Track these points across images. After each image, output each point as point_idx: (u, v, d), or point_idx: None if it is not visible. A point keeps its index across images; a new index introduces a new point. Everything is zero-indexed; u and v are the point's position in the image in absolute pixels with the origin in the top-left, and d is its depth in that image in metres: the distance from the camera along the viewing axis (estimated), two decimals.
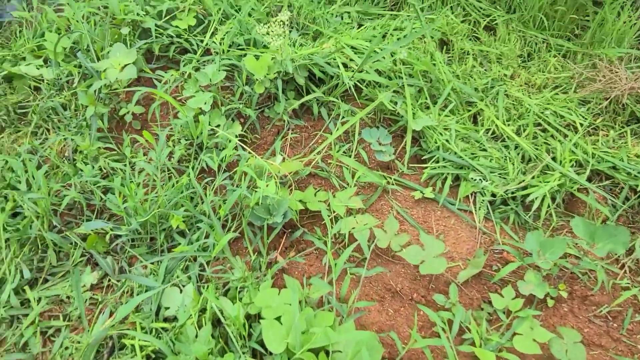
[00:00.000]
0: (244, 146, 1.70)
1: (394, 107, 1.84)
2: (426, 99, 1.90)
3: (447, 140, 1.78)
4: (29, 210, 1.61)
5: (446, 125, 1.83)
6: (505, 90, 1.97)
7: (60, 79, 2.12)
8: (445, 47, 2.17)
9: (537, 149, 1.79)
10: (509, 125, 1.88)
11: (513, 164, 1.75)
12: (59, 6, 2.36)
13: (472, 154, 1.79)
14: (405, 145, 1.82)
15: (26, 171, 1.76)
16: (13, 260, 1.52)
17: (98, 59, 2.04)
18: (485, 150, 1.81)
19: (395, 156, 1.81)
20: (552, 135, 1.85)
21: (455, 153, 1.76)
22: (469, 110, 1.92)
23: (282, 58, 1.76)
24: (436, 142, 1.79)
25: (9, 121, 2.07)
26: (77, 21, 2.16)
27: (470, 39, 2.19)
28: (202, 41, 2.11)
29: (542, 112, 1.89)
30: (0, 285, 1.48)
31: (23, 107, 2.10)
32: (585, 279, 1.52)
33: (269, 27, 1.72)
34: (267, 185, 1.47)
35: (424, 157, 1.83)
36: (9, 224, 1.62)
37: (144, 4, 2.17)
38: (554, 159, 1.75)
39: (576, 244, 1.57)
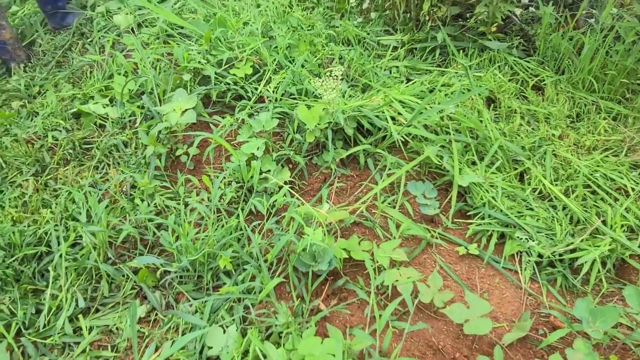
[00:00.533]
0: (294, 193, 1.75)
1: (440, 162, 1.87)
2: (473, 155, 1.92)
3: (493, 198, 1.79)
4: (88, 241, 1.71)
5: (492, 182, 1.84)
6: (553, 150, 1.97)
7: (124, 118, 2.27)
8: (492, 104, 2.20)
9: (586, 211, 1.77)
10: (556, 185, 1.87)
11: (561, 225, 1.73)
12: (128, 52, 2.57)
13: (519, 212, 1.78)
14: (450, 199, 1.84)
15: (87, 202, 1.88)
16: (70, 289, 1.60)
17: (160, 102, 2.18)
18: (532, 209, 1.80)
19: (439, 210, 1.83)
20: (602, 198, 1.82)
21: (501, 210, 1.76)
22: (516, 169, 1.93)
23: (333, 110, 1.84)
24: (482, 199, 1.80)
25: (74, 155, 2.22)
26: (144, 66, 2.33)
27: (517, 98, 2.22)
28: (256, 89, 2.23)
29: (591, 174, 1.88)
30: (56, 311, 1.56)
31: (88, 143, 2.26)
32: (638, 352, 1.45)
33: (323, 81, 1.81)
34: (314, 232, 1.51)
35: (469, 213, 1.83)
36: (68, 253, 1.72)
37: (205, 53, 2.33)
38: (604, 222, 1.72)
39: (628, 313, 1.52)
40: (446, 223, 1.81)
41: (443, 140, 1.92)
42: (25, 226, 1.82)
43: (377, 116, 1.99)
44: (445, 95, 2.14)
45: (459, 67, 2.30)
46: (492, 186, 1.84)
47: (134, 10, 2.75)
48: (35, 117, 2.45)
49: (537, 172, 1.89)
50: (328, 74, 1.81)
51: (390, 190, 1.91)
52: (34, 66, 2.85)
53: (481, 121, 2.04)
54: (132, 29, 2.69)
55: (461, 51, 2.43)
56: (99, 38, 2.71)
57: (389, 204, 1.83)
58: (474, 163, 1.95)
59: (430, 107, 1.90)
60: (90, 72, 2.63)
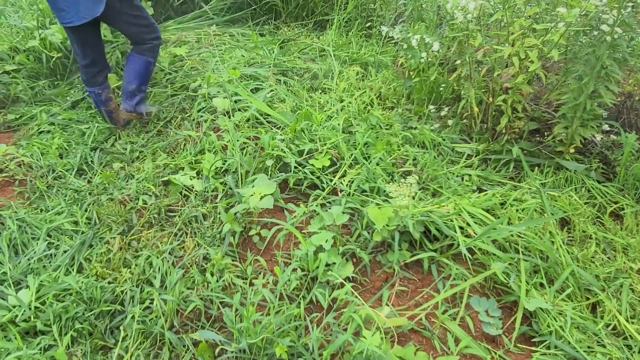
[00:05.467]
0: (356, 295, 1.79)
1: (506, 280, 1.84)
2: (542, 278, 1.88)
3: (561, 327, 1.71)
4: (159, 307, 1.83)
5: (561, 310, 1.77)
6: (631, 285, 1.88)
7: (207, 192, 2.48)
8: (566, 226, 2.17)
9: None
10: (633, 323, 1.76)
11: None
12: (220, 133, 2.84)
13: (589, 347, 1.68)
14: (514, 320, 1.78)
15: (162, 268, 2.03)
16: (135, 352, 1.70)
17: (242, 182, 2.37)
18: (603, 346, 1.69)
19: (502, 330, 1.77)
20: None
21: (569, 343, 1.68)
22: (588, 299, 1.85)
23: (403, 215, 1.90)
24: (549, 326, 1.73)
25: (158, 220, 2.42)
26: (233, 147, 2.57)
27: (594, 223, 2.17)
28: (331, 180, 2.36)
29: None
30: None
31: (171, 210, 2.46)
32: None
33: (398, 186, 1.90)
34: (372, 336, 1.52)
35: (534, 339, 1.76)
36: (138, 315, 1.84)
37: (289, 141, 2.54)
38: None
39: None
40: (508, 346, 1.74)
41: (511, 258, 1.90)
42: (106, 283, 1.99)
43: (445, 224, 2.02)
44: (517, 210, 2.15)
45: (533, 184, 2.31)
46: (560, 314, 1.77)
47: (231, 96, 3.08)
48: (131, 179, 2.72)
49: (612, 306, 1.80)
50: (403, 180, 1.90)
51: (451, 301, 1.89)
52: (139, 132, 3.21)
53: (552, 242, 2.01)
54: (228, 113, 3.00)
55: (536, 167, 2.45)
56: (198, 117, 3.03)
57: (450, 315, 1.81)
58: (541, 285, 1.90)
59: (501, 225, 1.91)
60: (184, 145, 2.92)
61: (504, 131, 2.55)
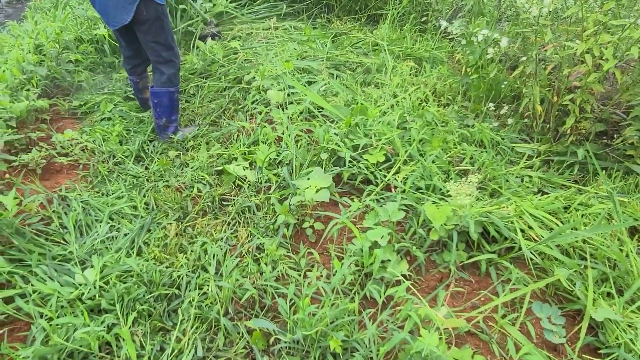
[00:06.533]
0: (415, 292, 1.76)
1: (571, 287, 1.76)
2: (611, 287, 1.78)
3: (631, 340, 1.62)
4: (214, 293, 1.86)
5: (631, 323, 1.67)
6: None
7: (260, 182, 2.50)
8: (637, 235, 2.05)
9: None
10: None
11: None
12: (274, 125, 2.86)
13: None
14: (579, 330, 1.70)
15: (216, 256, 2.07)
16: (192, 335, 1.74)
17: (294, 173, 2.37)
18: None
19: (565, 339, 1.69)
20: None
21: None
22: None
23: (464, 214, 1.85)
24: (617, 339, 1.64)
25: (212, 208, 2.47)
26: (287, 140, 2.58)
27: None
28: (385, 176, 2.33)
29: None
30: (178, 354, 1.70)
31: (224, 200, 2.50)
32: None
33: (459, 185, 1.85)
34: (430, 336, 1.49)
35: (600, 351, 1.67)
36: (194, 300, 1.88)
37: (343, 136, 2.52)
38: None
39: None
40: (571, 355, 1.66)
41: (577, 265, 1.81)
42: (164, 267, 2.04)
43: (505, 225, 1.96)
44: (582, 215, 2.05)
45: (599, 187, 2.19)
46: (630, 326, 1.67)
47: (285, 89, 3.09)
48: (186, 168, 2.79)
49: None
50: (462, 178, 1.84)
51: (510, 305, 1.83)
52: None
53: (621, 249, 1.90)
54: (281, 105, 3.01)
55: (603, 171, 2.33)
56: (252, 109, 3.06)
57: (509, 320, 1.74)
58: (609, 295, 1.80)
59: (568, 231, 1.82)
60: (237, 136, 2.96)
61: (568, 132, 2.43)
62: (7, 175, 2.48)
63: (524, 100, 2.43)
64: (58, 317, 1.71)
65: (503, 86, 2.70)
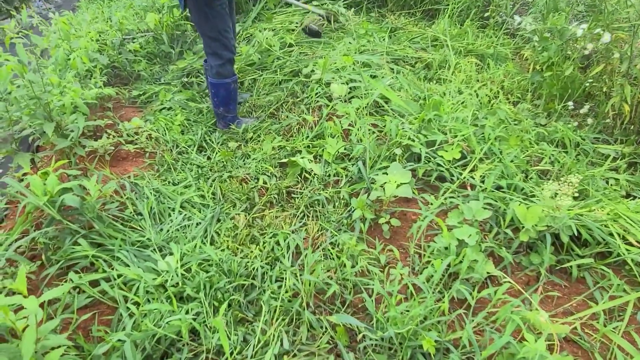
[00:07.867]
0: (534, 301, 1.68)
1: None
2: None
3: None
4: (296, 287, 1.82)
5: None
6: None
7: (328, 176, 2.45)
8: None
9: None
10: None
11: None
12: (338, 117, 2.81)
13: None
14: None
15: (289, 248, 2.03)
16: (278, 328, 1.70)
17: (366, 168, 2.32)
18: None
19: None
20: None
21: None
22: None
23: (560, 216, 1.76)
24: None
25: (278, 200, 2.43)
26: (357, 134, 2.53)
27: None
28: (461, 174, 2.26)
29: None
30: (263, 346, 1.66)
31: (290, 192, 2.47)
32: None
33: (560, 185, 1.77)
34: (536, 342, 1.42)
35: None
36: (274, 292, 1.85)
37: (417, 131, 2.45)
38: None
39: None
40: None
41: None
42: (240, 258, 2.02)
43: (599, 229, 1.86)
44: None
45: None
46: None
47: (348, 82, 3.04)
48: (247, 159, 2.76)
49: None
50: (564, 180, 1.76)
51: (608, 313, 1.73)
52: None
53: None
54: (344, 99, 2.96)
55: None
56: (314, 102, 3.02)
57: (612, 329, 1.65)
58: None
59: None
60: (298, 129, 2.92)
61: None
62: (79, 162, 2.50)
63: (613, 99, 2.32)
64: (145, 303, 1.70)
65: (587, 84, 2.59)
